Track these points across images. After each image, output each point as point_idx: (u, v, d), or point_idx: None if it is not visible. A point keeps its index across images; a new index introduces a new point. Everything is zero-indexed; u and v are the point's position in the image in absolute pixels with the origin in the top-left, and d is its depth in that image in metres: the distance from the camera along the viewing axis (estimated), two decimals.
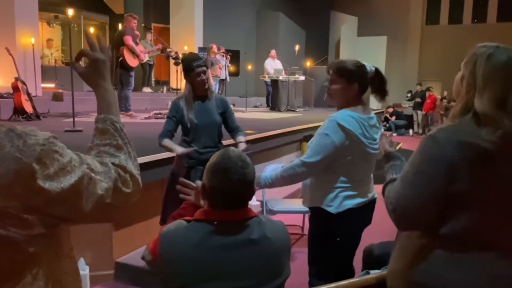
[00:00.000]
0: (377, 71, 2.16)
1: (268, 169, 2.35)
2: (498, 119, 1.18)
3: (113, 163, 0.99)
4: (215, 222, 1.31)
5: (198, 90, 2.77)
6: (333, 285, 1.52)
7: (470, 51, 1.29)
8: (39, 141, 0.82)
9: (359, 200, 2.09)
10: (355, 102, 2.09)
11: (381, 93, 2.17)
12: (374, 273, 1.63)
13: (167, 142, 2.72)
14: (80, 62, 1.16)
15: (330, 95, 2.14)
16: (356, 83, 2.07)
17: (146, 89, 10.39)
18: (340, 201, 2.06)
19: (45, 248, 0.88)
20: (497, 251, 1.21)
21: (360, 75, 2.09)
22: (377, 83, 2.15)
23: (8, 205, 0.78)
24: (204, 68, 2.75)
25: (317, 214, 2.14)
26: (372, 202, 2.22)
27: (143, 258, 1.39)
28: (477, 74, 1.23)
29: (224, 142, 3.04)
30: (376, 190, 2.27)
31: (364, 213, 2.15)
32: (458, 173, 1.19)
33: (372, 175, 2.25)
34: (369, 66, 2.13)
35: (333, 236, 2.09)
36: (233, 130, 2.97)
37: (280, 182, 2.14)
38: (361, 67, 2.12)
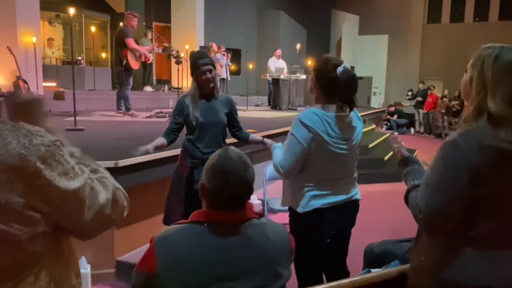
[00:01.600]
0: (345, 73, 1.95)
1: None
2: None
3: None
4: (213, 224, 1.29)
5: (203, 89, 2.76)
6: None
7: (474, 53, 1.30)
8: (45, 142, 0.83)
9: (328, 200, 2.03)
10: (323, 100, 2.04)
11: (345, 99, 1.99)
12: (375, 271, 1.63)
13: (155, 141, 2.70)
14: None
15: None
16: (314, 76, 2.07)
17: (147, 88, 10.39)
18: (306, 200, 2.02)
19: (48, 249, 0.88)
20: None
21: (318, 68, 2.06)
22: (341, 86, 1.95)
23: (11, 201, 0.78)
24: (210, 66, 2.72)
25: (290, 214, 2.14)
26: (352, 203, 2.15)
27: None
28: (486, 75, 1.25)
29: (228, 141, 3.04)
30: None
31: (339, 213, 2.07)
32: (483, 176, 1.21)
33: (354, 175, 2.17)
34: (341, 66, 1.97)
35: (305, 236, 2.03)
36: (237, 130, 2.97)
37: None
38: (323, 60, 2.07)
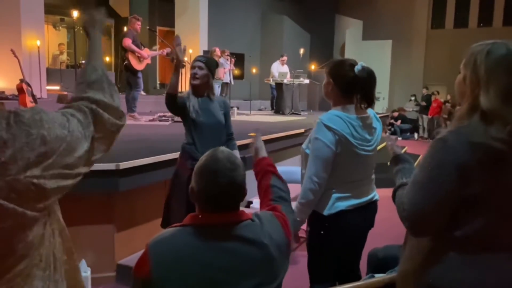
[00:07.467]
0: (364, 70, 1.99)
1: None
2: (505, 114, 1.16)
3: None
4: (206, 226, 1.27)
5: (193, 87, 2.82)
6: None
7: (467, 52, 1.28)
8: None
9: (353, 202, 2.04)
10: (343, 101, 2.04)
11: (364, 96, 2.03)
12: (379, 276, 1.60)
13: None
14: None
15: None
16: (330, 78, 2.06)
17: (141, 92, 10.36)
18: (332, 202, 2.02)
19: (45, 228, 0.92)
20: (511, 252, 1.20)
21: (334, 71, 2.06)
22: (361, 83, 2.00)
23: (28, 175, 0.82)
24: (200, 64, 2.79)
25: (312, 217, 2.11)
26: (372, 204, 2.16)
27: None
28: (479, 72, 1.22)
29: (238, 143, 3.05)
30: (379, 194, 2.23)
31: (362, 215, 2.09)
32: (471, 175, 1.16)
33: (372, 177, 2.19)
34: (359, 65, 2.02)
35: (327, 238, 2.05)
36: (227, 139, 2.98)
37: (304, 210, 2.05)
38: (338, 62, 2.10)
